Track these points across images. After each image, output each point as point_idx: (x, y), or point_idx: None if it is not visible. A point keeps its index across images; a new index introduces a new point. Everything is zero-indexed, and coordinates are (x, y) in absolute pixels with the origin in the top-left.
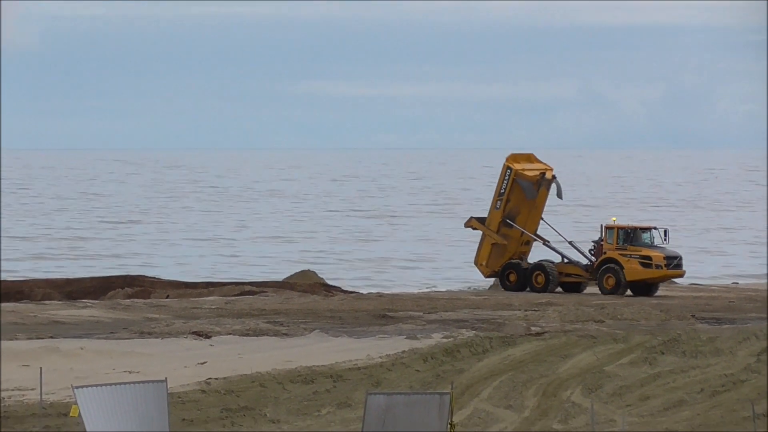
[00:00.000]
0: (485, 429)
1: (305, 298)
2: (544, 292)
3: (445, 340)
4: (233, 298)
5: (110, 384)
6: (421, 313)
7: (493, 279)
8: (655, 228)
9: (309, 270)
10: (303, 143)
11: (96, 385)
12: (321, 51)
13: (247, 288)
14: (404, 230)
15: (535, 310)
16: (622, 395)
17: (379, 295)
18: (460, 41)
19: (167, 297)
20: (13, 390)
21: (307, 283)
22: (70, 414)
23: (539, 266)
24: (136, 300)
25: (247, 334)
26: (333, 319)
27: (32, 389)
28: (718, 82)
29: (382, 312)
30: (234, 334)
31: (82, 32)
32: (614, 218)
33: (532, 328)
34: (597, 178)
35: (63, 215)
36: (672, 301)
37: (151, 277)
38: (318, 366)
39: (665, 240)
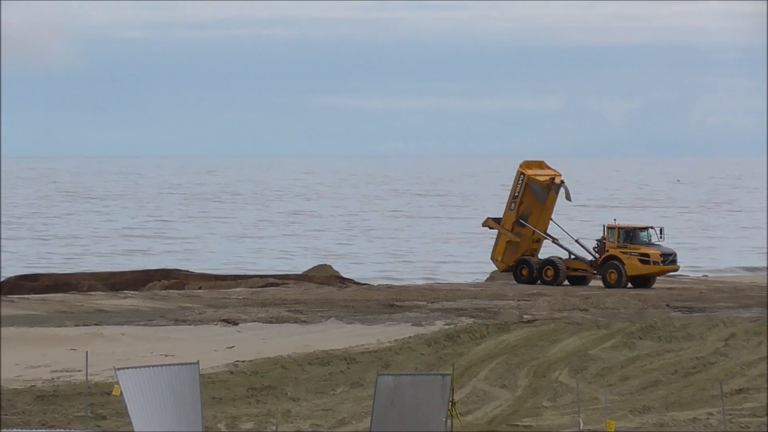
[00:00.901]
0: (482, 406)
1: (322, 290)
2: (553, 285)
3: (446, 326)
4: (258, 289)
5: (148, 366)
6: (426, 303)
7: (489, 272)
8: (651, 227)
9: (326, 264)
10: (321, 150)
11: (136, 367)
12: (338, 69)
13: (271, 280)
14: (423, 228)
15: (526, 300)
16: (605, 376)
17: (388, 287)
18: (459, 60)
19: (199, 288)
20: (61, 371)
21: (323, 276)
22: (113, 393)
23: (549, 262)
24: (171, 291)
25: (271, 322)
26: (347, 308)
27: (79, 371)
28: (689, 96)
29: (390, 302)
30: (259, 322)
31: (123, 52)
32: (615, 219)
33: (524, 316)
34: (589, 183)
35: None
36: (649, 291)
37: (185, 271)
38: (333, 350)
39: (661, 238)
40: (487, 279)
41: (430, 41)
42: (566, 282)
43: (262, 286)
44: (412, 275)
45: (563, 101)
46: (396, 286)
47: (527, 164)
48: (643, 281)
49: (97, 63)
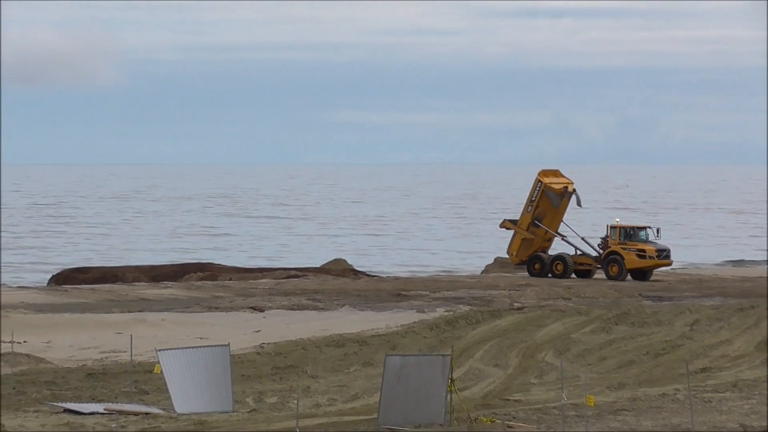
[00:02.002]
0: (478, 383)
1: (338, 281)
2: (563, 278)
3: (446, 313)
4: (282, 280)
5: (185, 347)
6: (428, 292)
7: (486, 264)
8: (649, 227)
9: (341, 258)
10: (338, 159)
11: (174, 349)
12: (353, 87)
13: (293, 273)
14: (436, 228)
15: (516, 290)
16: (585, 356)
17: (396, 278)
18: (459, 80)
19: (230, 279)
20: (109, 352)
21: (339, 269)
22: (154, 371)
23: (559, 257)
24: (206, 282)
25: (292, 309)
26: (359, 297)
27: (124, 352)
28: (658, 112)
29: (397, 291)
30: (282, 309)
31: (167, 73)
32: (618, 219)
33: (515, 304)
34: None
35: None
36: (624, 282)
37: (218, 264)
38: (347, 333)
39: (657, 236)
40: (482, 272)
41: (434, 63)
42: (573, 275)
43: (285, 278)
44: (423, 267)
45: (549, 117)
46: (402, 277)
47: (544, 173)
48: (641, 274)
49: (141, 82)
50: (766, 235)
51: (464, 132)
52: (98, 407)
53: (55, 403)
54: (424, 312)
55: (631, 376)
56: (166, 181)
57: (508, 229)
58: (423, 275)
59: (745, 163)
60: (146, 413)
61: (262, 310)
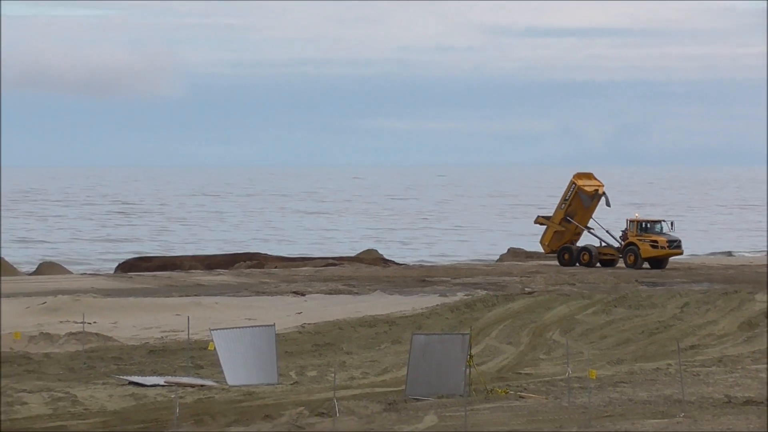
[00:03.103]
0: (493, 359)
1: (369, 268)
2: (589, 266)
3: (465, 297)
4: (321, 268)
5: (236, 327)
6: (450, 279)
7: (500, 254)
8: (663, 221)
9: (373, 249)
10: (367, 161)
11: (226, 328)
12: (380, 98)
13: (330, 261)
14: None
15: (527, 277)
16: (587, 335)
17: (421, 266)
18: (475, 91)
19: (275, 267)
20: (168, 331)
21: (370, 258)
22: (208, 348)
23: (585, 248)
24: (254, 269)
25: (330, 293)
26: (389, 282)
27: (182, 331)
28: (652, 120)
29: (422, 278)
30: (321, 293)
31: (219, 85)
32: (637, 214)
33: (526, 289)
34: None
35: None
36: (622, 270)
37: (264, 254)
38: (378, 315)
39: (671, 229)
40: (497, 261)
41: (452, 77)
42: (598, 264)
43: (323, 266)
44: (443, 256)
45: (555, 123)
46: (427, 265)
47: (579, 176)
48: (657, 263)
49: (197, 94)
50: (766, 231)
51: (480, 137)
52: (159, 380)
53: (120, 377)
54: (445, 296)
55: (628, 352)
56: (239, 180)
57: (541, 224)
58: (445, 263)
59: (728, 165)
60: (201, 385)
61: (303, 294)
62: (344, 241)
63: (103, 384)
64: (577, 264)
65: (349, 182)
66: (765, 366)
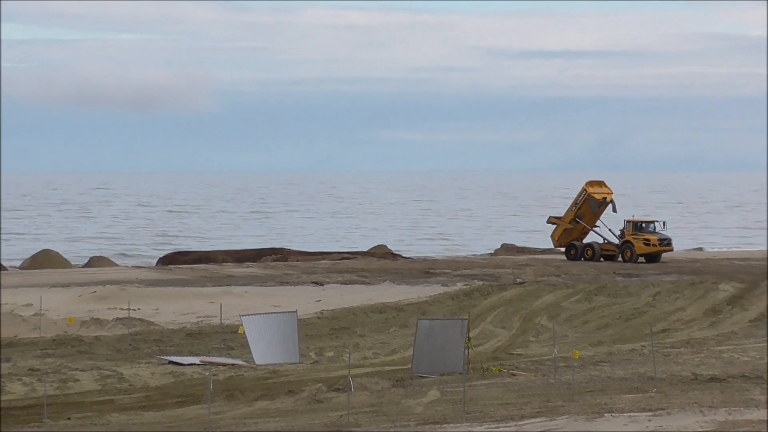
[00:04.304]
0: (489, 341)
1: (380, 261)
2: (592, 261)
3: (464, 287)
4: (337, 261)
5: (263, 313)
6: (450, 271)
7: (494, 249)
8: (656, 221)
9: (382, 244)
10: (379, 167)
11: (254, 314)
12: (391, 112)
13: (345, 255)
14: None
15: (518, 269)
16: (571, 320)
17: (425, 260)
18: (475, 106)
19: (297, 261)
20: (203, 317)
21: (381, 252)
22: (238, 332)
23: (589, 245)
24: (278, 262)
25: (345, 283)
26: (397, 274)
27: (215, 316)
28: (628, 131)
29: (426, 270)
30: (337, 283)
31: (249, 101)
32: (633, 215)
33: (517, 280)
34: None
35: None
36: (602, 263)
37: (288, 249)
38: (388, 302)
39: (664, 228)
40: (492, 254)
41: (455, 94)
42: (602, 259)
43: (340, 259)
44: (441, 250)
45: (543, 135)
46: (430, 259)
47: (590, 183)
48: (652, 258)
49: (229, 109)
50: (766, 230)
51: (478, 147)
52: (195, 359)
53: (161, 357)
54: (447, 286)
55: (607, 335)
56: (265, 184)
57: (553, 224)
58: (446, 257)
59: (696, 171)
60: (232, 364)
61: (321, 284)
62: (358, 237)
63: (146, 363)
64: (582, 259)
65: (362, 186)
66: (727, 348)
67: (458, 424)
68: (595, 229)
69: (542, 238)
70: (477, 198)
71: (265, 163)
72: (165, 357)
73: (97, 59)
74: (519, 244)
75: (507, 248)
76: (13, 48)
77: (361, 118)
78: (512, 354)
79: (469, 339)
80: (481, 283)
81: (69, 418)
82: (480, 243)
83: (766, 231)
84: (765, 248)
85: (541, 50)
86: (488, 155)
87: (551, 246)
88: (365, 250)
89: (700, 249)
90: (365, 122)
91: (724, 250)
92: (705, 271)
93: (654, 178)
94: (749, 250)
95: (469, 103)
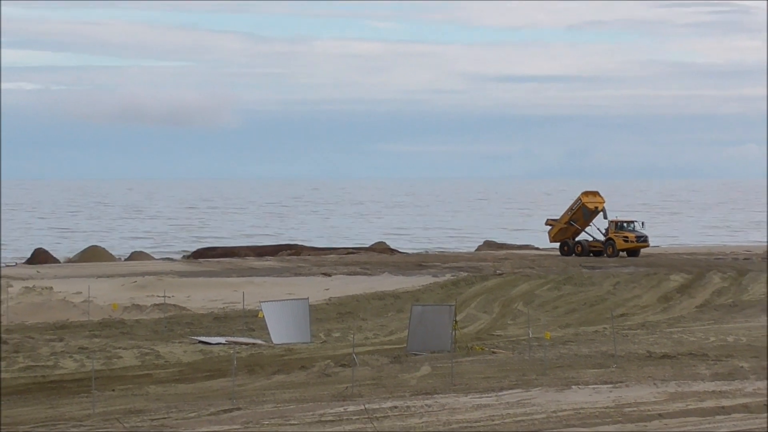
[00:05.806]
0: (472, 323)
1: (380, 256)
2: (581, 256)
3: (452, 277)
4: (343, 255)
5: (279, 300)
6: (440, 264)
7: (477, 245)
8: (635, 221)
9: (382, 241)
10: (379, 176)
11: (272, 301)
12: (390, 127)
13: (350, 250)
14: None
15: (498, 262)
16: (544, 306)
17: (419, 254)
18: (462, 123)
19: (309, 255)
20: (228, 303)
21: (380, 248)
22: (258, 316)
23: (579, 243)
24: (293, 257)
25: (350, 274)
26: (395, 266)
27: (238, 303)
28: (593, 144)
29: (419, 263)
30: (343, 274)
31: (268, 119)
32: (616, 216)
33: (497, 271)
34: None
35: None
36: (570, 257)
37: (301, 245)
38: (386, 290)
39: (642, 227)
40: (476, 250)
41: (443, 112)
42: (591, 254)
43: (345, 254)
44: (435, 246)
45: (519, 147)
46: (423, 254)
47: (586, 193)
48: (633, 252)
49: (250, 125)
50: (766, 229)
51: (464, 157)
52: (221, 339)
53: (192, 337)
54: (437, 277)
55: (574, 319)
56: (284, 190)
57: (550, 225)
58: (436, 252)
59: (651, 178)
60: (253, 343)
61: (330, 275)
62: (360, 235)
63: (179, 342)
64: (573, 254)
65: (365, 192)
66: (677, 330)
67: (446, 395)
68: (585, 229)
69: (523, 235)
70: (462, 201)
71: (281, 171)
72: (195, 337)
73: (138, 83)
74: (499, 241)
75: (489, 244)
76: (67, 73)
77: (363, 133)
78: (493, 335)
79: (456, 322)
80: (466, 274)
81: (113, 390)
82: (465, 240)
83: (766, 231)
84: (709, 244)
85: (517, 75)
86: (472, 164)
87: (529, 243)
88: (367, 246)
89: (657, 246)
90: (367, 136)
91: (676, 245)
92: (658, 264)
93: (616, 184)
94: (695, 245)
95: (455, 121)
